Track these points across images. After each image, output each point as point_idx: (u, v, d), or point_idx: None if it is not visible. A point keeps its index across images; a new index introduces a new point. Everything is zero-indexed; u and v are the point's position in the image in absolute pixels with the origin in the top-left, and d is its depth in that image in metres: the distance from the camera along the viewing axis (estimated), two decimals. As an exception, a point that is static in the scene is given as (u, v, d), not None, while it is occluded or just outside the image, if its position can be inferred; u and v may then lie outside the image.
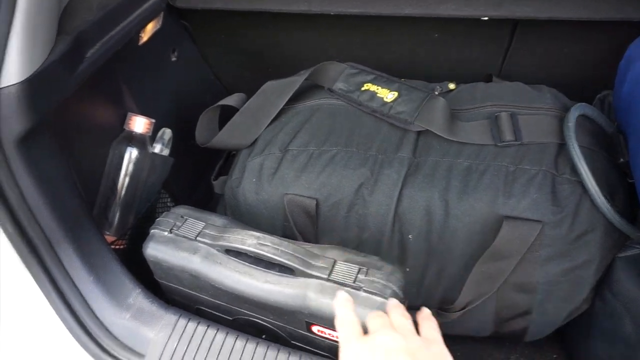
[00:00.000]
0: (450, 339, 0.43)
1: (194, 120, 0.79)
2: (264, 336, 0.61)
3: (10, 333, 0.60)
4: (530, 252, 0.60)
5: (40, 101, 0.51)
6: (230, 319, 0.62)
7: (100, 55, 0.58)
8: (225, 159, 0.83)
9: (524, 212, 0.59)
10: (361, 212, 0.65)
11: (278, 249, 0.53)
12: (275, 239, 0.55)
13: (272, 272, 0.54)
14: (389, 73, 0.74)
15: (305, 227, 0.67)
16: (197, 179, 0.95)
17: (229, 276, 0.55)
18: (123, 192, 0.76)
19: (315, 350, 0.58)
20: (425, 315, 0.45)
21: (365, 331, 0.43)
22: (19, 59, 0.48)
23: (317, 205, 0.65)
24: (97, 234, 0.61)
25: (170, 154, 0.82)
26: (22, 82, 0.48)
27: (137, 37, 0.75)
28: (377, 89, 0.70)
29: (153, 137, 0.79)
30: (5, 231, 0.52)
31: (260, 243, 0.54)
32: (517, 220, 0.59)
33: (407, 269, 0.66)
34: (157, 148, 0.78)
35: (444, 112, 0.65)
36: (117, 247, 0.74)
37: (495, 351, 0.77)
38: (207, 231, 0.57)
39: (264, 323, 0.59)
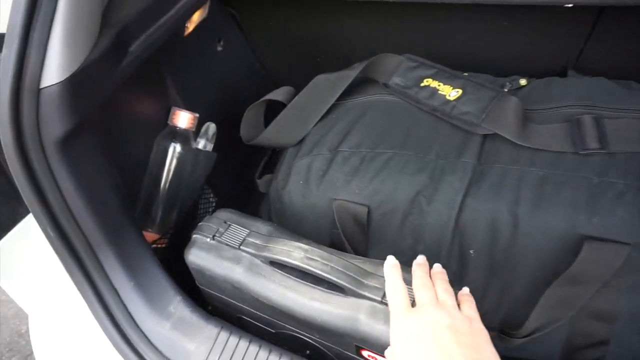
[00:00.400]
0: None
1: (238, 113, 0.76)
2: (308, 352, 0.58)
3: (50, 337, 0.59)
4: (614, 277, 0.52)
5: (82, 100, 0.48)
6: (273, 331, 0.58)
7: (144, 49, 0.55)
8: (270, 155, 0.80)
9: (609, 232, 0.51)
10: (417, 222, 0.59)
11: (327, 265, 0.49)
12: (324, 253, 0.50)
13: (320, 288, 0.50)
14: (451, 66, 0.67)
15: (354, 235, 0.62)
16: (239, 174, 0.92)
17: (273, 290, 0.51)
18: (166, 188, 0.74)
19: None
20: (466, 294, 0.47)
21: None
22: (61, 57, 0.45)
23: (369, 212, 0.60)
24: (138, 237, 0.58)
25: (214, 149, 0.79)
26: (63, 82, 0.45)
27: (183, 27, 0.72)
28: (439, 85, 0.63)
29: (197, 132, 0.76)
30: (47, 235, 0.50)
31: (308, 257, 0.50)
32: (600, 241, 0.51)
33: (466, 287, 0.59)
34: (200, 143, 0.76)
35: (516, 113, 0.58)
36: (159, 246, 0.72)
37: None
38: (251, 239, 0.54)
39: (309, 340, 0.55)
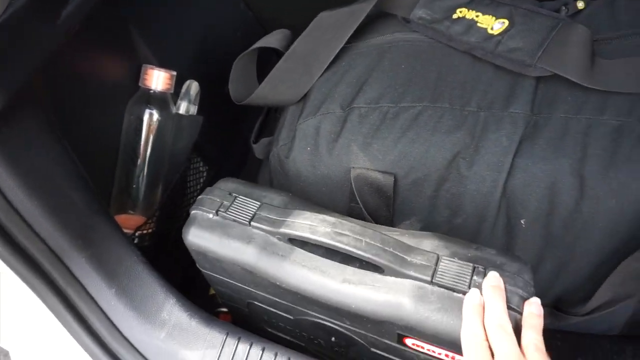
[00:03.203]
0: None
1: (222, 66, 0.63)
2: (333, 339, 0.49)
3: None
4: None
5: (9, 68, 0.35)
6: (291, 318, 0.50)
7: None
8: (267, 113, 0.67)
9: None
10: (455, 190, 0.49)
11: (360, 240, 0.41)
12: (356, 226, 0.42)
13: (352, 266, 0.42)
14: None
15: (378, 209, 0.52)
16: (231, 136, 0.80)
17: (294, 273, 0.43)
18: (146, 163, 0.62)
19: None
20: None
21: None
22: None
23: (395, 182, 0.49)
24: (114, 231, 0.48)
25: (199, 110, 0.66)
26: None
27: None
28: (477, 15, 0.50)
29: (176, 93, 0.63)
30: (-6, 249, 0.39)
31: (336, 232, 0.41)
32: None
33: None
34: (182, 107, 0.63)
35: (585, 46, 0.45)
36: (145, 231, 0.62)
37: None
38: (263, 213, 0.45)
39: (336, 327, 0.46)
